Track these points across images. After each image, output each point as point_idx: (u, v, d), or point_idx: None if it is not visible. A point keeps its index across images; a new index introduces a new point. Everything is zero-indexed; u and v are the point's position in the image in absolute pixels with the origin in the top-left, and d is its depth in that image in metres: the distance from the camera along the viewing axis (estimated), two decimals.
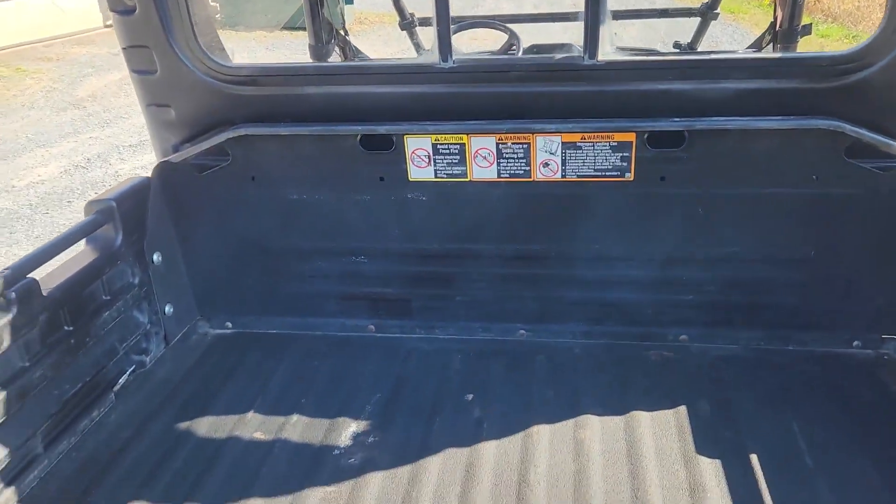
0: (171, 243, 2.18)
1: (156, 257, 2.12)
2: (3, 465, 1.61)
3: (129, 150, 7.96)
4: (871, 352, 2.05)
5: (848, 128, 1.77)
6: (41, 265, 1.72)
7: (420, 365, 2.12)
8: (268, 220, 2.17)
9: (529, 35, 3.29)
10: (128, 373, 2.04)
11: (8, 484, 1.63)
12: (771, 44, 2.78)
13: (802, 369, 2.00)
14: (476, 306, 2.21)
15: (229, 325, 2.33)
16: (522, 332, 2.21)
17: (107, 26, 15.92)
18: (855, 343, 2.06)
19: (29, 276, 1.66)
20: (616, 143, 1.91)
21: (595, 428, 1.81)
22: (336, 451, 1.78)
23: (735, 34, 12.22)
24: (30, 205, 6.46)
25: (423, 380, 2.05)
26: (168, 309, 2.18)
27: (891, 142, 1.76)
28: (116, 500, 1.66)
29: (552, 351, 2.15)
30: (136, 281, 2.05)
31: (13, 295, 1.61)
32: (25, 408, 1.66)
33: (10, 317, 1.60)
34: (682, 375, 2.01)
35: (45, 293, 1.71)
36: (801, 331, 2.08)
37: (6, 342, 1.59)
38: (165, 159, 2.09)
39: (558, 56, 1.93)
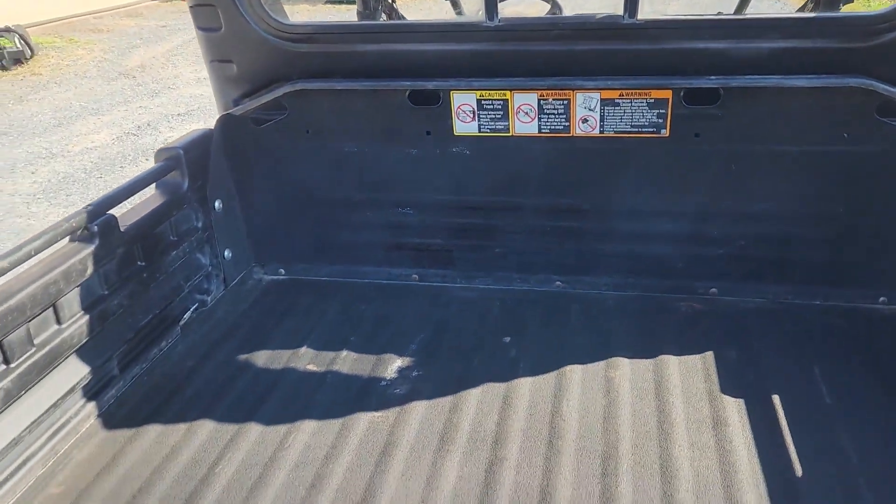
0: (230, 192, 2.33)
1: (217, 204, 2.27)
2: (86, 382, 1.79)
3: (178, 119, 8.20)
4: None
5: (880, 86, 1.83)
6: (119, 204, 1.89)
7: (460, 311, 2.25)
8: (320, 171, 2.31)
9: (572, 9, 3.35)
10: (191, 310, 2.21)
11: (89, 399, 1.81)
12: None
13: (828, 322, 2.08)
14: (515, 257, 2.32)
15: (282, 271, 2.49)
16: (559, 283, 2.32)
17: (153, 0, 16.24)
18: (881, 299, 2.13)
19: (108, 212, 1.83)
20: (653, 100, 2.00)
21: (625, 369, 1.92)
22: (383, 383, 1.93)
23: (783, 10, 11.98)
24: (84, 169, 6.73)
25: (464, 324, 2.18)
26: (227, 254, 2.35)
27: None
28: (183, 421, 1.82)
29: (587, 301, 2.26)
30: (200, 225, 2.21)
31: (95, 228, 1.78)
32: (105, 332, 1.84)
33: (92, 248, 1.77)
34: (711, 325, 2.10)
35: (122, 229, 1.88)
36: (828, 286, 2.15)
37: (89, 270, 1.76)
38: (227, 112, 2.24)
39: (599, 15, 2.01)
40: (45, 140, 8.12)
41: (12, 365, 1.56)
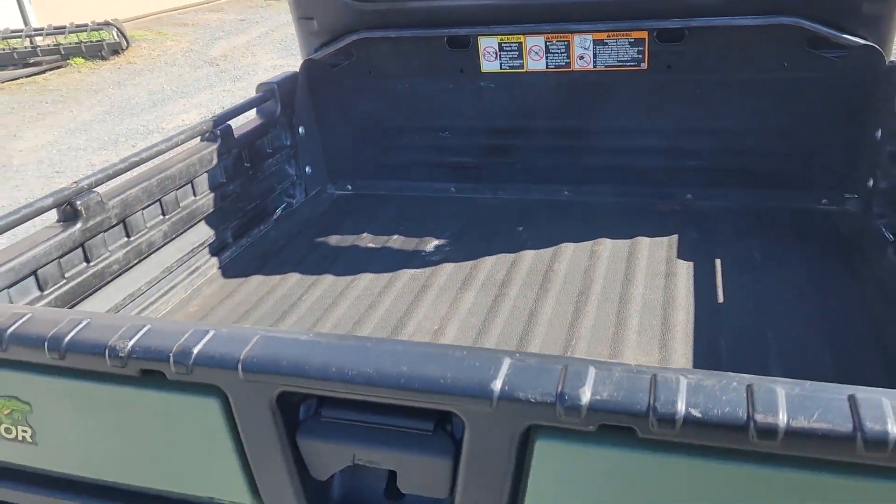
0: (311, 120, 3.02)
1: (301, 129, 2.97)
2: (211, 241, 2.50)
3: None
4: (836, 207, 2.63)
5: (806, 24, 2.37)
6: (232, 119, 2.59)
7: (486, 212, 2.88)
8: (379, 104, 2.98)
9: None
10: (280, 208, 2.91)
11: (213, 254, 2.52)
12: None
13: (776, 217, 2.62)
14: (530, 172, 2.94)
15: (349, 187, 3.17)
16: (566, 192, 2.92)
17: None
18: (823, 201, 2.64)
19: (226, 122, 2.54)
20: (633, 40, 2.58)
21: (607, 244, 2.51)
22: (423, 253, 2.57)
23: None
24: None
25: (488, 221, 2.80)
26: (308, 169, 3.04)
27: (839, 34, 2.35)
28: (277, 273, 2.51)
29: (587, 205, 2.85)
30: (288, 144, 2.91)
31: (218, 132, 2.49)
32: (223, 209, 2.54)
33: (216, 145, 2.48)
34: (682, 220, 2.66)
35: (235, 136, 2.58)
36: (780, 190, 2.68)
37: (214, 161, 2.47)
38: (309, 58, 2.93)
39: None
40: (142, 119, 9.10)
41: (166, 216, 2.28)
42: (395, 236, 2.72)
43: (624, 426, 0.99)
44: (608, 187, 2.86)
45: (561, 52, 2.67)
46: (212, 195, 2.47)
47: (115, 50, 12.14)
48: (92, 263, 2.01)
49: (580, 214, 2.79)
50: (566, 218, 2.77)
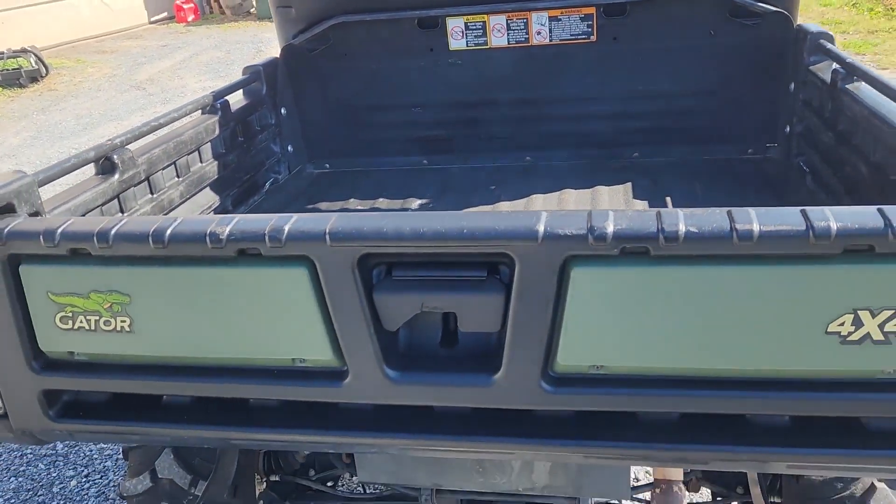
0: (291, 102, 3.26)
1: (283, 110, 3.20)
2: (216, 206, 2.69)
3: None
4: (760, 156, 3.07)
5: None
6: (227, 96, 2.81)
7: (459, 179, 3.18)
8: (354, 84, 3.25)
9: None
10: (269, 182, 3.12)
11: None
12: None
13: (712, 166, 3.03)
14: (496, 141, 3.26)
15: (327, 165, 3.41)
16: (528, 157, 3.26)
17: (151, 23, 17.19)
18: (749, 151, 3.08)
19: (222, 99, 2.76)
20: (583, 15, 2.96)
21: (572, 193, 2.86)
22: (410, 210, 2.85)
23: None
24: None
25: (462, 185, 3.10)
26: (289, 148, 3.27)
27: (754, 3, 2.79)
28: None
29: (549, 168, 3.19)
30: (273, 122, 3.13)
31: (218, 105, 2.70)
32: (225, 177, 2.75)
33: (217, 117, 2.69)
34: (634, 174, 3.04)
35: (232, 111, 2.80)
36: (713, 144, 3.10)
37: (216, 132, 2.68)
38: (288, 43, 3.17)
39: None
40: (73, 142, 8.99)
41: (180, 178, 2.47)
42: (381, 199, 2.98)
43: (640, 248, 1.30)
44: (566, 151, 3.22)
45: (520, 29, 3.02)
46: (215, 163, 2.67)
47: (34, 77, 11.90)
48: (126, 214, 2.18)
49: (544, 174, 3.13)
50: (532, 177, 3.10)
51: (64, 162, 1.95)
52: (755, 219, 1.26)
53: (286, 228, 1.39)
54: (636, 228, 1.29)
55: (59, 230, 1.47)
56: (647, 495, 2.33)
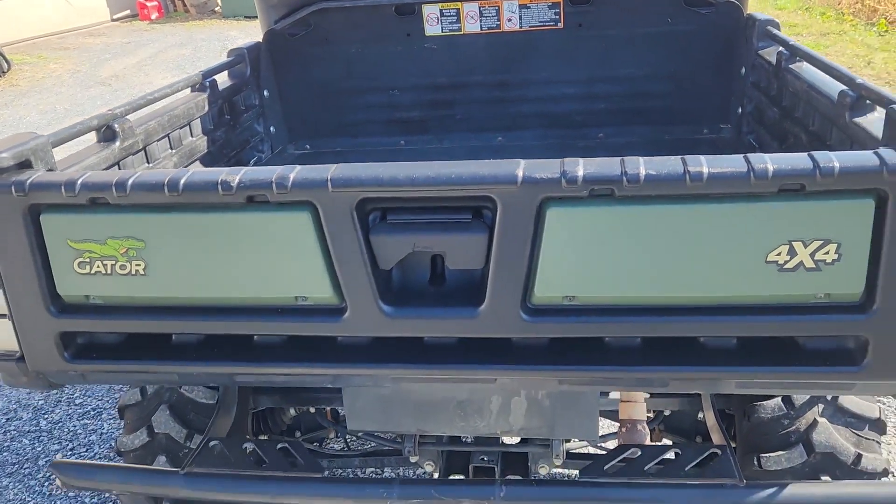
0: (273, 85, 3.39)
1: (265, 92, 3.33)
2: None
3: None
4: (714, 135, 3.30)
5: None
6: (214, 76, 2.94)
7: (436, 157, 3.32)
8: (334, 68, 3.40)
9: None
10: (252, 160, 3.26)
11: None
12: None
13: (671, 145, 3.26)
14: (469, 122, 3.44)
15: (308, 146, 3.55)
16: (500, 138, 3.45)
17: (113, 20, 17.04)
18: (704, 131, 3.31)
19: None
20: (551, 3, 3.16)
21: None
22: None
23: None
24: None
25: (442, 156, 3.27)
26: (272, 128, 3.40)
27: None
28: None
29: (519, 147, 3.38)
30: (257, 103, 3.27)
31: (206, 83, 2.83)
32: (213, 152, 2.88)
33: (206, 94, 2.82)
34: (599, 152, 3.24)
35: (220, 89, 2.93)
36: (672, 125, 3.33)
37: (205, 109, 2.81)
38: (270, 29, 3.31)
39: None
40: None
41: (173, 151, 2.60)
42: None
43: (606, 190, 1.49)
44: (535, 132, 3.41)
45: (492, 16, 3.21)
46: (204, 138, 2.80)
47: None
48: None
49: (515, 153, 3.28)
50: (504, 156, 3.24)
51: (71, 127, 2.08)
52: (705, 163, 1.46)
53: (291, 176, 1.55)
54: (603, 172, 1.49)
55: (80, 181, 1.61)
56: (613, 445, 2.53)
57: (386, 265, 1.63)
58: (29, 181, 1.63)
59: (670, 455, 1.97)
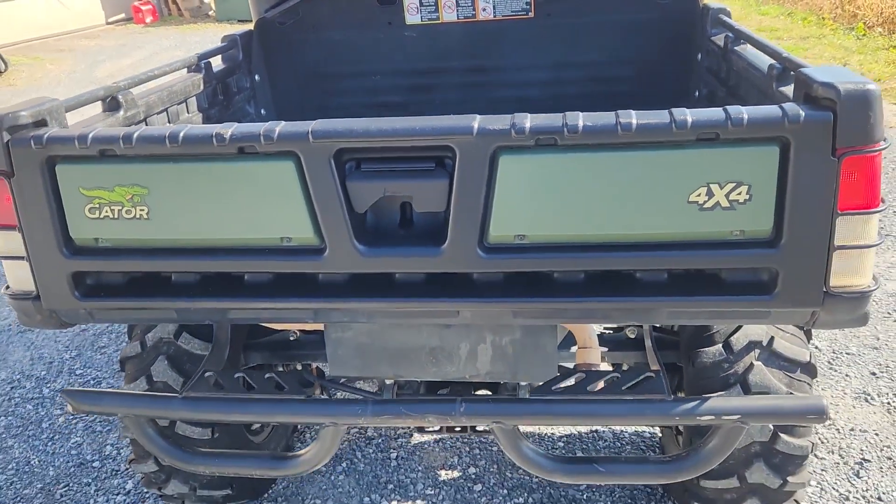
0: (263, 70, 3.63)
1: (256, 76, 3.57)
2: None
3: None
4: None
5: None
6: (209, 58, 3.17)
7: None
8: (321, 55, 3.63)
9: None
10: None
11: None
12: None
13: None
14: (447, 106, 3.68)
15: None
16: None
17: (108, 24, 17.24)
18: None
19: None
20: None
21: None
22: None
23: None
24: None
25: None
26: (262, 111, 3.63)
27: None
28: None
29: None
30: (248, 86, 3.50)
31: (202, 65, 3.06)
32: None
33: (202, 75, 3.05)
34: None
35: (214, 71, 3.16)
36: (636, 107, 3.55)
37: (201, 88, 3.04)
38: (261, 17, 3.55)
39: None
40: None
41: (171, 125, 2.82)
42: None
43: (550, 139, 1.73)
44: (508, 114, 3.64)
45: (468, 6, 3.45)
46: (200, 115, 3.03)
47: None
48: None
49: None
50: None
51: (80, 95, 2.31)
52: (634, 116, 1.70)
53: (277, 129, 1.78)
54: (547, 124, 1.72)
55: (91, 135, 1.83)
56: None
57: (360, 209, 1.86)
58: (46, 136, 1.86)
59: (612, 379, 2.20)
